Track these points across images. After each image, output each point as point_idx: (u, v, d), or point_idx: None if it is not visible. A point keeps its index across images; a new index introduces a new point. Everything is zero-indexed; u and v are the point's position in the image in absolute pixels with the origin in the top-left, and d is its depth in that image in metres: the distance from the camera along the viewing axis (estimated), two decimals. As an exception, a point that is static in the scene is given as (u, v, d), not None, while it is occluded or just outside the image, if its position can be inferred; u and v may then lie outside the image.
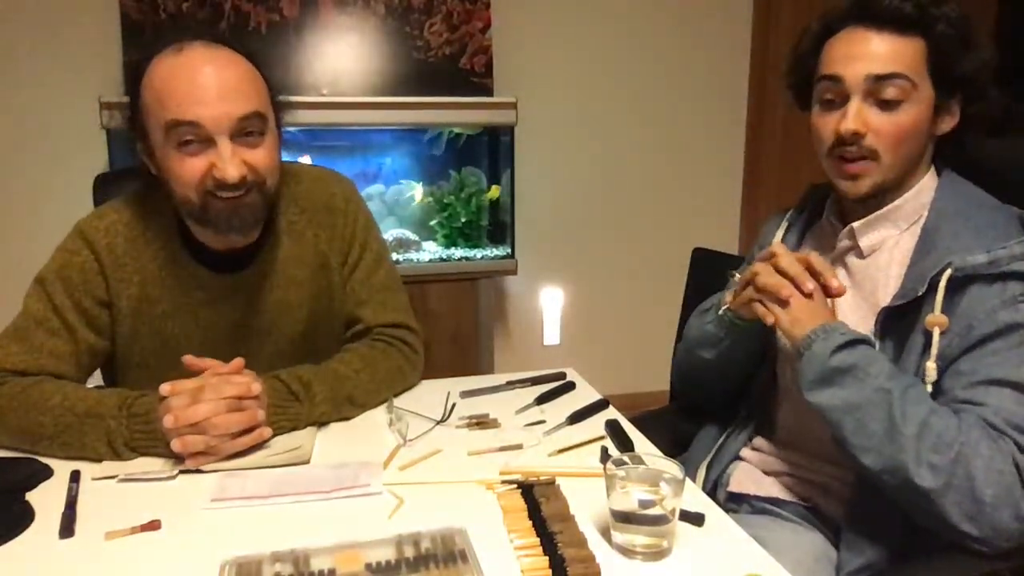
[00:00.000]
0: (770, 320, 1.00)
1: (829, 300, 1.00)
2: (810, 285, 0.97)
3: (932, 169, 1.06)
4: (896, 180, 1.02)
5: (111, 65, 2.35)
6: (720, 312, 1.13)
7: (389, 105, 2.36)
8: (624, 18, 2.80)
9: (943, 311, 0.92)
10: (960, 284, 0.92)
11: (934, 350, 0.92)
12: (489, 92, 2.56)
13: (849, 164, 1.01)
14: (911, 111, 0.98)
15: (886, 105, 0.98)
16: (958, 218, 0.98)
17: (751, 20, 2.94)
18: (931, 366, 0.92)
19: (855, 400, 0.91)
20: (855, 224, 1.06)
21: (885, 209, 1.04)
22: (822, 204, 1.17)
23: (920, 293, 0.93)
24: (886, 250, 1.04)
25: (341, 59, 2.46)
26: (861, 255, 1.07)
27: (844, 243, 1.08)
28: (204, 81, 1.03)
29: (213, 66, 1.04)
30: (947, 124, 1.03)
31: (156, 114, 1.03)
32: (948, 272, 0.92)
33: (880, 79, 0.97)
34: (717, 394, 1.26)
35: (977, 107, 1.02)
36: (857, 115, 0.99)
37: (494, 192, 2.59)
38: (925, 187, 1.04)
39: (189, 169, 1.04)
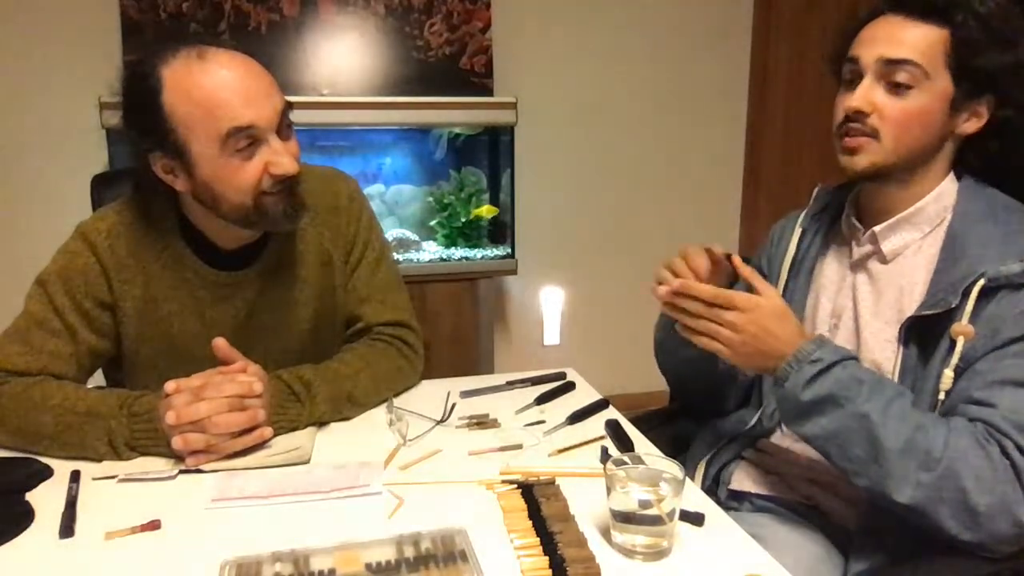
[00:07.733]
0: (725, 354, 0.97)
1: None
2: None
3: (952, 173, 1.04)
4: (900, 167, 1.00)
5: (111, 65, 2.32)
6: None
7: (389, 105, 2.36)
8: (624, 18, 2.80)
9: (969, 317, 0.91)
10: (989, 291, 0.91)
11: (954, 359, 0.91)
12: (489, 92, 2.56)
13: (848, 138, 1.01)
14: (920, 99, 0.97)
15: (895, 89, 0.98)
16: (985, 223, 0.97)
17: (751, 21, 2.94)
18: (948, 374, 0.92)
19: (833, 428, 0.90)
20: (877, 228, 1.04)
21: (907, 212, 1.03)
22: (842, 206, 1.15)
23: (953, 305, 0.92)
24: (909, 255, 1.03)
25: (341, 59, 2.46)
26: (883, 260, 1.05)
27: (866, 247, 1.07)
28: (248, 83, 1.03)
29: (246, 67, 1.04)
30: (971, 125, 1.00)
31: (206, 126, 1.01)
32: (981, 282, 0.90)
33: (891, 63, 0.97)
34: (711, 391, 1.24)
35: (1007, 111, 0.99)
36: (864, 94, 0.99)
37: (486, 210, 2.58)
38: (946, 190, 1.02)
39: (246, 174, 1.04)
